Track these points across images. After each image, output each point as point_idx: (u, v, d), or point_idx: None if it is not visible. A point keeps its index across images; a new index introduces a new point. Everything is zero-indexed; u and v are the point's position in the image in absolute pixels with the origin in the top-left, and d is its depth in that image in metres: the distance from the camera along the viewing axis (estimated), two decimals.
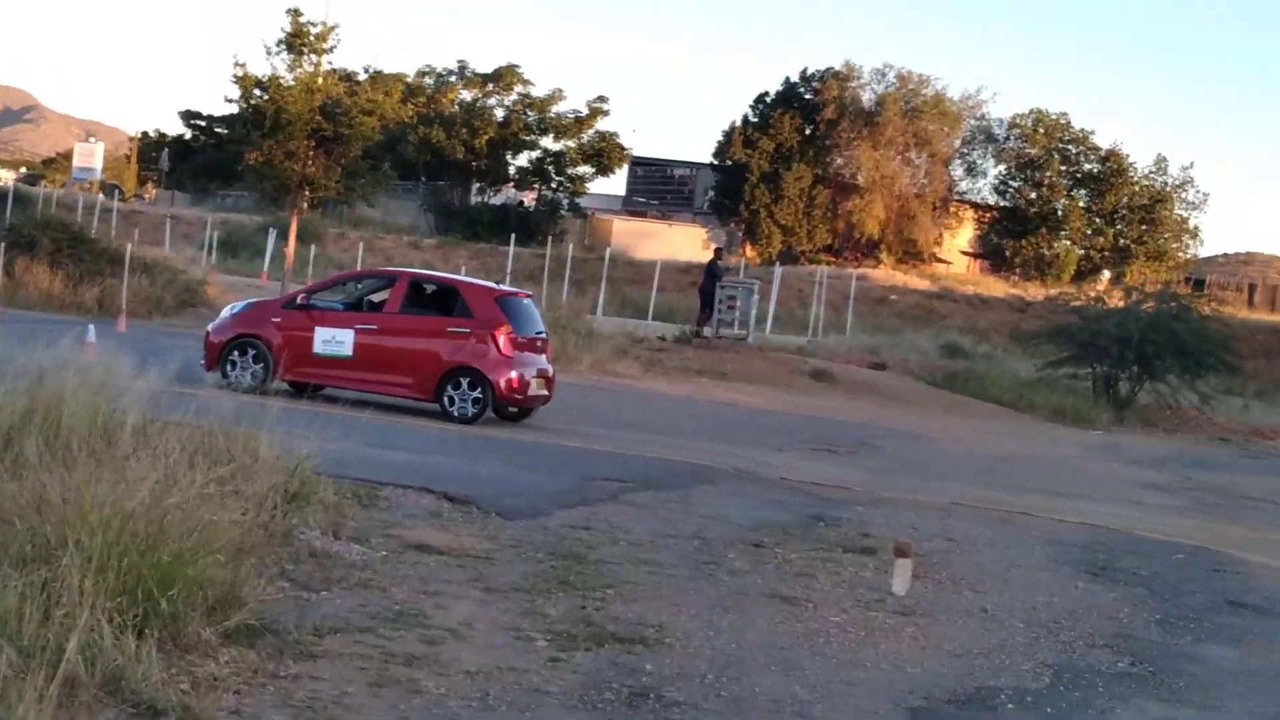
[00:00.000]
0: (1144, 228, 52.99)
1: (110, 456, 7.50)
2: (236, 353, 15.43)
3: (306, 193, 28.77)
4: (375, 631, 6.99)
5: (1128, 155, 54.62)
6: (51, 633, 5.36)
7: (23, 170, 76.89)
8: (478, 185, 55.28)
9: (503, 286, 17.70)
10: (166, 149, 59.17)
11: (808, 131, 52.24)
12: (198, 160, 56.50)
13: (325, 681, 6.05)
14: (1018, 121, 54.67)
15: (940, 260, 54.36)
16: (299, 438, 9.23)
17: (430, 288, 16.46)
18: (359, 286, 16.85)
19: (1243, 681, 8.29)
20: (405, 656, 6.63)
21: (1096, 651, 8.61)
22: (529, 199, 55.65)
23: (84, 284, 24.58)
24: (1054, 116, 54.78)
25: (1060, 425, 26.31)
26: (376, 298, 16.17)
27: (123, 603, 5.86)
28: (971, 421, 25.22)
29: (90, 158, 53.67)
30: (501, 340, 15.15)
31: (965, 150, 55.39)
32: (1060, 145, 54.31)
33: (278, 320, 15.67)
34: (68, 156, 69.36)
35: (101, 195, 50.19)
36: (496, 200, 55.14)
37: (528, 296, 17.54)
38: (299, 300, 16.27)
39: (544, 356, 16.22)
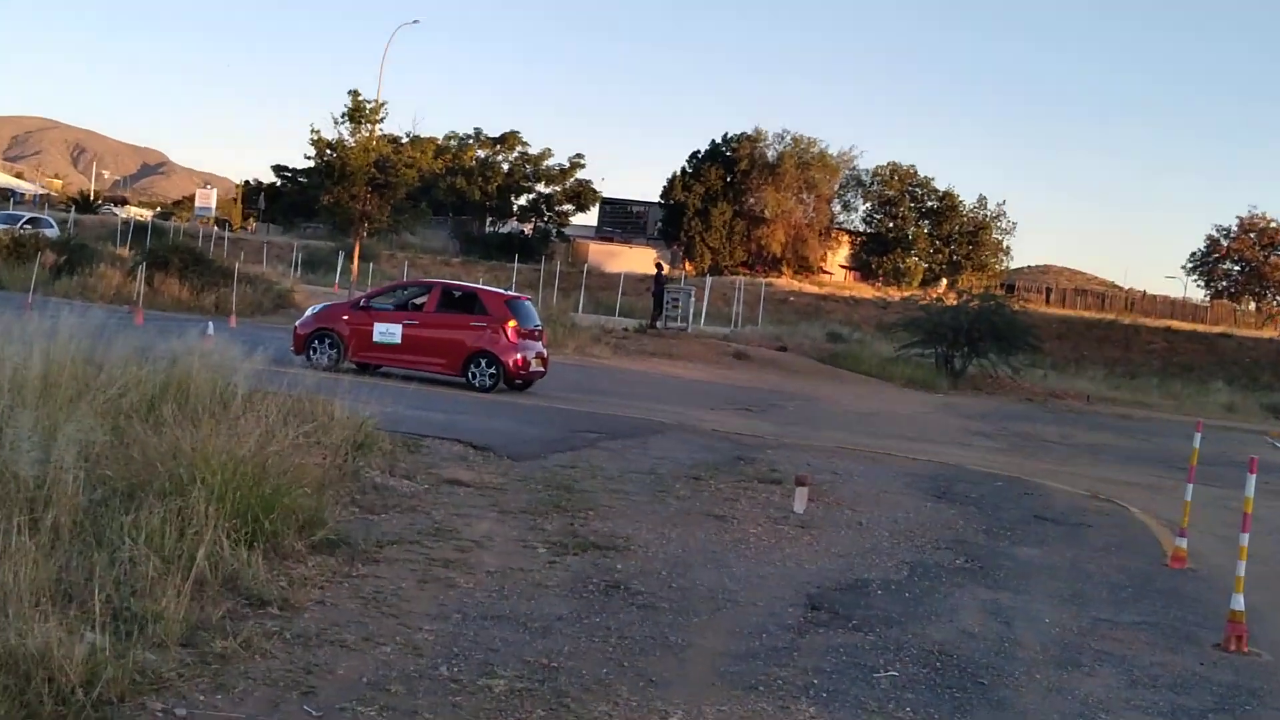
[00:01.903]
0: (970, 247, 80.00)
1: (226, 417, 9.69)
2: (317, 341, 22.38)
3: (365, 225, 44.28)
4: (421, 543, 9.15)
5: (959, 195, 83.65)
6: (185, 546, 7.18)
7: (158, 209, 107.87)
8: (490, 219, 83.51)
9: (509, 292, 25.22)
10: (262, 193, 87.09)
11: (728, 179, 78.01)
12: (285, 201, 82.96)
13: (385, 579, 8.05)
14: (879, 171, 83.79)
15: (825, 272, 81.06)
16: (363, 403, 12.44)
17: (457, 293, 23.43)
18: (405, 293, 23.93)
19: (1044, 572, 11.06)
20: (443, 560, 8.77)
21: (940, 552, 11.29)
22: (528, 229, 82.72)
23: (204, 292, 35.10)
24: (905, 167, 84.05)
25: (912, 390, 38.49)
26: (418, 301, 23.14)
27: (236, 524, 7.81)
28: (848, 388, 36.05)
29: (207, 200, 76.17)
30: (510, 331, 22.12)
31: (842, 192, 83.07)
32: (910, 188, 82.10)
33: (346, 318, 22.67)
34: (191, 199, 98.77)
35: (216, 228, 71.25)
36: (504, 230, 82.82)
37: (528, 299, 24.72)
38: (361, 303, 23.22)
39: (541, 343, 23.26)
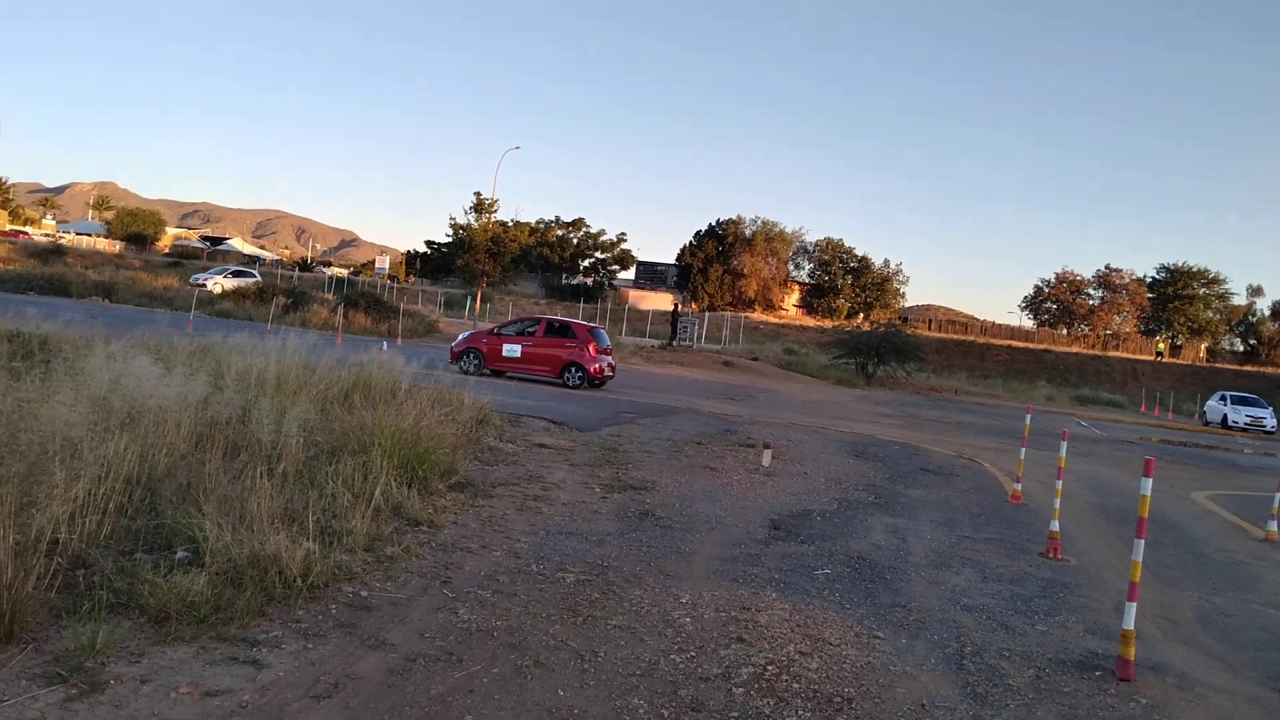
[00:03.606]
0: (879, 292, 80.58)
1: (394, 403, 10.03)
2: (467, 355, 22.55)
3: (484, 280, 45.87)
4: (519, 485, 9.09)
5: (872, 258, 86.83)
6: (367, 486, 7.27)
7: (351, 269, 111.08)
8: (565, 275, 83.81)
9: (591, 323, 25.75)
10: (418, 258, 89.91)
11: (719, 248, 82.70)
12: (433, 264, 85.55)
13: (496, 508, 8.07)
14: (819, 243, 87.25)
15: (783, 309, 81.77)
16: (483, 395, 12.84)
17: (556, 324, 23.43)
18: (522, 324, 23.89)
19: (927, 506, 11.03)
20: (533, 496, 8.76)
21: (858, 492, 11.28)
22: (589, 281, 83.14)
23: (381, 322, 35.09)
24: (837, 240, 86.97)
25: (840, 386, 37.46)
26: (530, 329, 23.25)
27: (400, 472, 7.90)
28: (798, 385, 36.11)
29: (383, 263, 79.22)
30: (591, 349, 22.38)
31: (794, 257, 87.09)
32: (839, 254, 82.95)
33: (485, 341, 22.88)
34: (372, 263, 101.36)
35: (389, 281, 71.98)
36: (574, 282, 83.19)
37: (603, 328, 25.23)
38: (494, 331, 23.34)
39: (610, 357, 23.32)
